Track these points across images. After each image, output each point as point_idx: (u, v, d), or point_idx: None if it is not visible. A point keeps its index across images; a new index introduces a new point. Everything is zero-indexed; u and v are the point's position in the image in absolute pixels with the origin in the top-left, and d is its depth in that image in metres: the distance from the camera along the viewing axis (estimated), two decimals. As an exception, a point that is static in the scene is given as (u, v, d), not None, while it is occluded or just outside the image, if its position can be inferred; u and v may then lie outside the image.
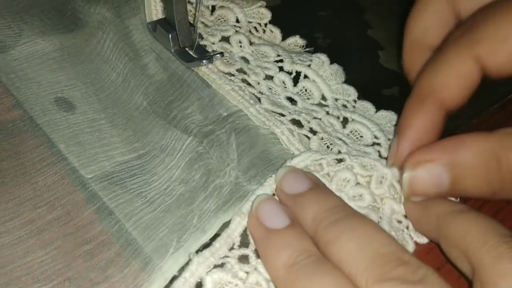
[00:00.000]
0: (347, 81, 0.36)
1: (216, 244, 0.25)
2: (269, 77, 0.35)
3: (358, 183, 0.28)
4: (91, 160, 0.29)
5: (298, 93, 0.35)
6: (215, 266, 0.24)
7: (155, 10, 0.37)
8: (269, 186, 0.28)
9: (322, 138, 0.31)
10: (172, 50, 0.35)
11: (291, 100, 0.34)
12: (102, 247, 0.26)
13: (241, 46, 0.37)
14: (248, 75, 0.35)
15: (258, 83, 0.35)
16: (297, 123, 0.32)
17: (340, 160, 0.29)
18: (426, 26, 0.30)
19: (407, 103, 0.28)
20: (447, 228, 0.24)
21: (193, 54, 0.35)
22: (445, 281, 0.21)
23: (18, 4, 0.37)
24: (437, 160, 0.25)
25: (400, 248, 0.22)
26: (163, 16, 0.37)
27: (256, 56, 0.37)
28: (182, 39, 0.35)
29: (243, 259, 0.25)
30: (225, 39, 0.38)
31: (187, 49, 0.36)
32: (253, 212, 0.25)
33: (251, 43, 0.38)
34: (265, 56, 0.37)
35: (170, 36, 0.35)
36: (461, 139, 0.25)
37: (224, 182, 0.29)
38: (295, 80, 0.35)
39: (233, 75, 0.35)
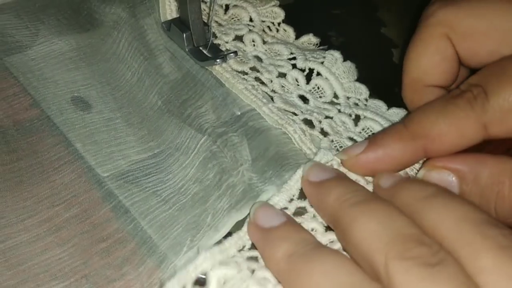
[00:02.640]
0: (361, 79, 0.36)
1: (226, 243, 0.25)
2: (282, 75, 0.36)
3: (369, 182, 0.28)
4: (107, 159, 0.30)
5: (310, 91, 0.35)
6: (222, 264, 0.24)
7: (169, 10, 0.38)
8: (286, 191, 0.28)
9: (332, 141, 0.31)
10: (186, 50, 0.36)
11: (304, 98, 0.35)
12: (118, 245, 0.26)
13: (254, 45, 0.37)
14: (261, 73, 0.35)
15: (271, 81, 0.35)
16: (309, 123, 0.33)
17: None
18: (426, 66, 0.29)
19: (393, 131, 0.28)
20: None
21: (207, 53, 0.36)
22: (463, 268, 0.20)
23: (35, 4, 0.37)
24: (452, 170, 0.26)
25: (421, 231, 0.22)
26: (178, 16, 0.37)
27: (269, 55, 0.37)
28: (196, 38, 0.35)
29: (252, 260, 0.25)
30: (239, 38, 0.38)
31: (201, 48, 0.36)
32: (250, 219, 0.26)
33: (264, 42, 0.38)
34: (278, 54, 0.37)
35: (184, 35, 0.35)
36: (483, 158, 0.26)
37: (237, 181, 0.29)
38: (308, 77, 0.35)
39: (246, 73, 0.35)
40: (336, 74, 0.35)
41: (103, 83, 0.34)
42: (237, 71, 0.35)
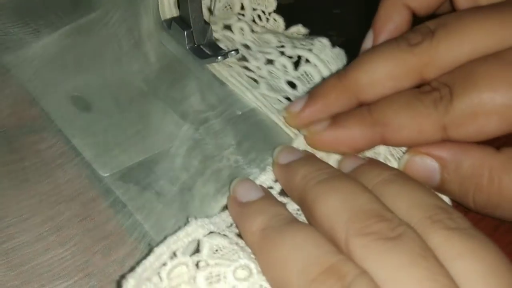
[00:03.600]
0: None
1: (216, 218, 0.25)
2: (270, 62, 0.36)
3: None
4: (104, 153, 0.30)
5: (298, 77, 0.35)
6: (213, 234, 0.24)
7: (168, 9, 0.38)
8: (270, 171, 0.28)
9: None
10: (187, 47, 0.36)
11: (292, 84, 0.35)
12: (119, 241, 0.27)
13: (243, 34, 0.38)
14: (249, 61, 0.36)
15: (259, 68, 0.35)
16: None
17: None
18: (375, 84, 0.28)
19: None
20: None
21: (207, 51, 0.36)
22: (423, 240, 0.21)
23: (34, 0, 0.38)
24: (435, 157, 0.26)
25: (384, 207, 0.22)
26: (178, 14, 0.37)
27: (258, 43, 0.37)
28: (197, 36, 0.36)
29: (241, 237, 0.25)
30: (228, 28, 0.38)
31: (201, 46, 0.36)
32: (230, 194, 0.27)
33: (253, 31, 0.38)
34: (267, 43, 0.37)
35: (185, 33, 0.35)
36: (467, 147, 0.26)
37: (222, 166, 0.30)
38: (297, 65, 0.36)
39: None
40: (325, 60, 0.36)
41: (100, 77, 0.34)
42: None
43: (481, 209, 0.26)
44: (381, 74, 0.27)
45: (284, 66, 0.36)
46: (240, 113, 0.33)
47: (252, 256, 0.24)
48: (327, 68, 0.35)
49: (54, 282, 0.25)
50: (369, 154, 0.29)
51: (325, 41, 0.36)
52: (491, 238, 0.27)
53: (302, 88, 0.34)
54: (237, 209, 0.25)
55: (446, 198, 0.27)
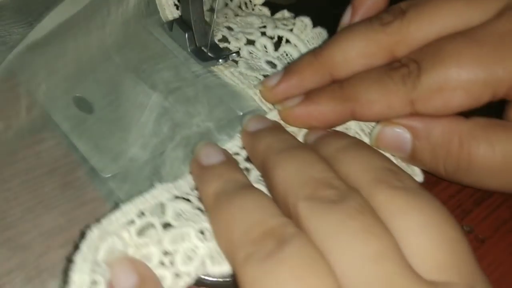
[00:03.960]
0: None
1: (180, 181, 0.26)
2: (251, 42, 0.36)
3: None
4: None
5: (278, 57, 0.36)
6: (177, 198, 0.25)
7: (169, 11, 0.38)
8: (238, 138, 0.29)
9: None
10: (189, 50, 0.36)
11: (272, 64, 0.35)
12: (98, 207, 0.28)
13: (226, 17, 0.38)
14: (229, 42, 0.36)
15: (239, 48, 0.36)
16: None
17: None
18: (348, 60, 0.29)
19: (304, 59, 0.30)
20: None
21: (209, 53, 0.36)
22: (365, 200, 0.22)
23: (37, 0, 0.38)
24: (406, 127, 0.27)
25: (335, 176, 0.23)
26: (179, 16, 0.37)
27: (241, 25, 0.38)
28: (198, 38, 0.36)
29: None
30: (212, 10, 0.38)
31: (203, 48, 0.36)
32: (193, 156, 0.27)
33: (237, 15, 0.39)
34: (250, 24, 0.38)
35: (186, 35, 0.35)
36: (437, 118, 0.27)
37: (192, 132, 0.31)
38: (278, 45, 0.36)
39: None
40: (305, 40, 0.36)
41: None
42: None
43: (452, 175, 0.27)
44: (354, 52, 0.29)
45: (265, 47, 0.36)
46: (214, 84, 0.34)
47: None
48: (307, 48, 0.36)
49: (46, 253, 0.25)
50: (339, 128, 0.30)
51: (306, 20, 0.37)
52: (492, 239, 0.28)
53: (281, 68, 0.35)
54: (197, 171, 0.26)
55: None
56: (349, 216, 0.20)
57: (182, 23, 0.36)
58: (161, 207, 0.25)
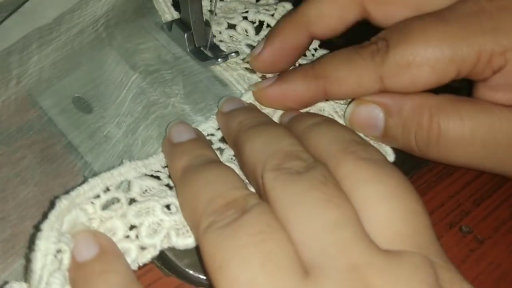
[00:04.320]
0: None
1: (151, 159, 0.27)
2: (232, 26, 0.37)
3: None
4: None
5: (259, 41, 0.37)
6: (145, 176, 0.26)
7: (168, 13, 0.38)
8: (214, 120, 0.30)
9: None
10: (188, 50, 0.36)
11: (252, 47, 0.36)
12: (73, 180, 0.29)
13: (211, 1, 0.39)
14: (210, 27, 0.37)
15: (220, 32, 0.37)
16: (251, 70, 0.34)
17: None
18: (320, 15, 0.30)
19: (283, 21, 0.32)
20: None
21: (208, 53, 0.36)
22: (328, 171, 0.22)
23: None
24: (378, 104, 0.28)
25: (303, 149, 0.24)
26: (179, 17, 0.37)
27: (224, 10, 0.39)
28: (197, 38, 0.36)
29: None
30: None
31: (202, 48, 0.36)
32: (166, 135, 0.28)
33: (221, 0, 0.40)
34: (233, 10, 0.39)
35: (185, 35, 0.35)
36: (408, 94, 0.27)
37: (167, 112, 0.32)
38: (259, 30, 0.37)
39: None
40: None
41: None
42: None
43: (423, 150, 0.27)
44: (327, 5, 0.30)
45: (246, 31, 0.37)
46: (193, 68, 0.35)
47: None
48: None
49: (23, 222, 0.27)
50: (313, 110, 0.31)
51: (288, 5, 0.38)
52: (492, 239, 0.28)
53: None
54: (168, 148, 0.27)
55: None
56: (312, 187, 0.21)
57: (181, 23, 0.36)
58: (128, 184, 0.25)
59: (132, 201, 0.25)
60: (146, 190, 0.25)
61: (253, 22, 0.37)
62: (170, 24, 0.37)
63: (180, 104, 0.32)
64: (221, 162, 0.25)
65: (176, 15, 0.37)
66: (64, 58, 0.33)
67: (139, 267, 0.24)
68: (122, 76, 0.33)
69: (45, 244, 0.21)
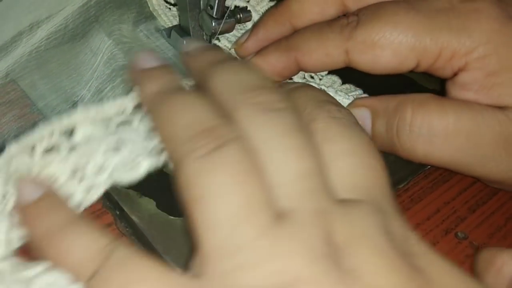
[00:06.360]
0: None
1: (106, 106, 0.26)
2: None
3: None
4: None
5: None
6: (92, 122, 0.25)
7: (167, 20, 0.38)
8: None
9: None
10: (187, 56, 0.36)
11: None
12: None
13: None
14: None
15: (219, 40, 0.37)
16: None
17: None
18: (303, 9, 0.31)
19: (267, 13, 0.33)
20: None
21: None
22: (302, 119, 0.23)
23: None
24: (367, 104, 0.30)
25: (274, 84, 0.24)
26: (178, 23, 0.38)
27: None
28: (196, 44, 0.36)
29: (125, 124, 0.26)
30: None
31: (201, 54, 0.36)
32: (133, 63, 0.27)
33: None
34: None
35: (184, 42, 0.36)
36: (394, 95, 0.29)
37: None
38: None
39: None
40: (260, 12, 0.37)
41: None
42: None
43: (406, 146, 0.28)
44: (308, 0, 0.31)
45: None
46: (164, 46, 0.36)
47: (128, 135, 0.25)
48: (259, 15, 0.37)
49: None
50: None
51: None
52: (487, 246, 0.28)
53: (234, 34, 0.37)
54: (136, 74, 0.26)
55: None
56: (287, 132, 0.21)
57: (180, 30, 0.36)
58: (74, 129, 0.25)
59: (75, 147, 0.25)
60: (89, 140, 0.25)
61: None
62: (169, 31, 0.37)
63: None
64: (192, 91, 0.25)
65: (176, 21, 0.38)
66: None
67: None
68: (100, 43, 0.34)
69: None
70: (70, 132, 0.25)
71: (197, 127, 0.21)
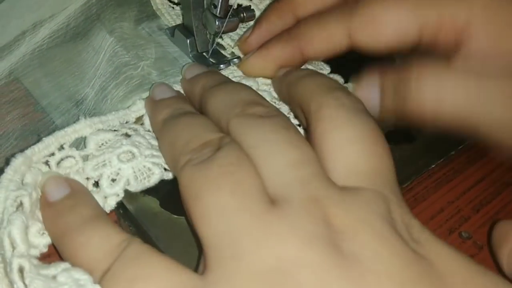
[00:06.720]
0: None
1: (109, 116, 0.27)
2: None
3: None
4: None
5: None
6: (101, 131, 0.26)
7: (170, 19, 0.38)
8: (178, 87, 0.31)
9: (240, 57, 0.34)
10: (190, 55, 0.36)
11: None
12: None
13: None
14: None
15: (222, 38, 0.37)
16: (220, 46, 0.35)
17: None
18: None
19: (270, 6, 0.33)
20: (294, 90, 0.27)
21: (210, 59, 0.36)
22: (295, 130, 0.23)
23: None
24: (376, 81, 0.29)
25: (262, 98, 0.25)
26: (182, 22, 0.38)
27: None
28: (199, 44, 0.36)
29: (132, 129, 0.27)
30: None
31: (204, 54, 0.36)
32: (149, 95, 0.29)
33: None
34: None
35: (188, 41, 0.36)
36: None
37: (136, 74, 0.32)
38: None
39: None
40: (260, 7, 0.37)
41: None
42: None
43: (414, 103, 0.27)
44: None
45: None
46: (165, 43, 0.36)
47: (137, 142, 0.26)
48: (258, 9, 0.37)
49: None
50: None
51: None
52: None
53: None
54: (151, 105, 0.28)
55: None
56: (275, 131, 0.22)
57: (184, 29, 0.36)
58: (84, 140, 0.26)
59: (87, 157, 0.25)
60: (102, 144, 0.26)
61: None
62: (172, 30, 0.37)
63: (148, 68, 0.33)
64: (199, 114, 0.27)
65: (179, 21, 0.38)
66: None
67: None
68: (101, 41, 0.34)
69: (4, 192, 0.22)
70: (79, 143, 0.26)
71: (196, 142, 0.23)
